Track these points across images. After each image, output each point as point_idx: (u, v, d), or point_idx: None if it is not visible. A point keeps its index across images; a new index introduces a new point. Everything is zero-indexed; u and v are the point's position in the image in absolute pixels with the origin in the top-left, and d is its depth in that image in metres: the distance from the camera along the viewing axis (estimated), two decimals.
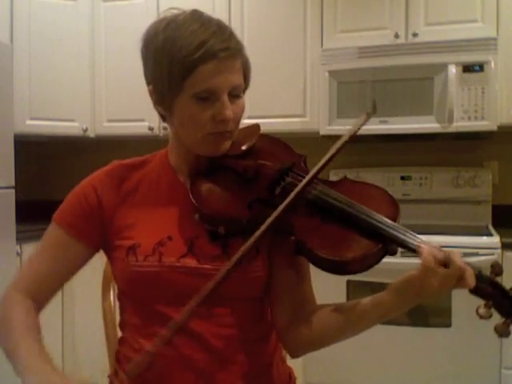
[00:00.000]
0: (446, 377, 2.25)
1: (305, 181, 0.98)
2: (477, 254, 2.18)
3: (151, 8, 2.92)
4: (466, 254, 2.16)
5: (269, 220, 0.94)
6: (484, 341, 2.16)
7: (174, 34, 0.99)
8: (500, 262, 2.19)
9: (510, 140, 2.78)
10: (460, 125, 2.45)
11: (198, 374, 1.01)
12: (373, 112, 1.03)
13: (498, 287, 0.89)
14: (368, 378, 2.35)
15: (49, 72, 2.93)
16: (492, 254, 2.18)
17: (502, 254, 2.21)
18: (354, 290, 2.32)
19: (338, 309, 1.02)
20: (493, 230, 2.46)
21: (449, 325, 2.23)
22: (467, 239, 2.25)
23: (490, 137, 2.67)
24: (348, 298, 2.34)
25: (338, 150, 0.99)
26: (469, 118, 2.44)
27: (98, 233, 1.08)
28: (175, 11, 1.04)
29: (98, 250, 1.11)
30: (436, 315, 2.26)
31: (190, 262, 1.02)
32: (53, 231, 1.09)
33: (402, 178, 2.83)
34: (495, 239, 2.24)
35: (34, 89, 2.89)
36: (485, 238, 2.28)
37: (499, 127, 2.45)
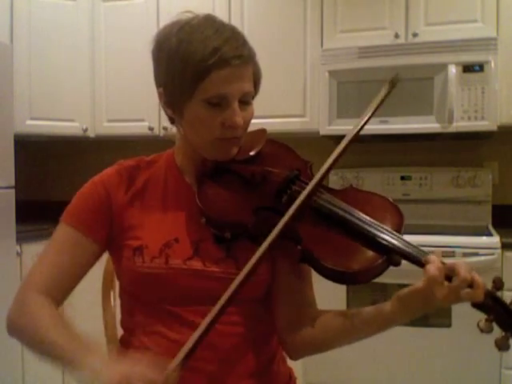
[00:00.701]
0: (446, 377, 2.25)
1: (321, 171, 0.99)
2: (477, 254, 2.17)
3: (151, 8, 2.91)
4: (465, 254, 2.16)
5: (284, 219, 0.94)
6: (484, 341, 2.15)
7: (188, 37, 0.99)
8: (500, 261, 2.19)
9: (510, 140, 2.78)
10: (460, 125, 2.45)
11: (200, 372, 1.01)
12: (396, 81, 1.02)
13: (500, 302, 0.91)
14: (368, 377, 2.35)
15: (49, 72, 2.92)
16: (492, 254, 2.18)
17: (502, 254, 2.21)
18: (353, 289, 2.32)
19: (342, 313, 1.03)
20: (493, 230, 2.46)
21: (449, 325, 2.23)
22: (467, 239, 2.25)
23: (490, 137, 2.67)
24: (348, 299, 2.34)
25: (356, 135, 1.00)
26: (469, 118, 2.44)
27: (105, 230, 1.07)
28: (189, 14, 1.04)
29: (104, 250, 1.10)
30: (436, 315, 2.26)
31: (196, 265, 1.03)
32: (61, 230, 1.08)
33: (402, 177, 2.83)
34: (495, 239, 2.24)
35: (34, 89, 2.88)
36: (485, 237, 2.27)
37: (499, 127, 2.45)
